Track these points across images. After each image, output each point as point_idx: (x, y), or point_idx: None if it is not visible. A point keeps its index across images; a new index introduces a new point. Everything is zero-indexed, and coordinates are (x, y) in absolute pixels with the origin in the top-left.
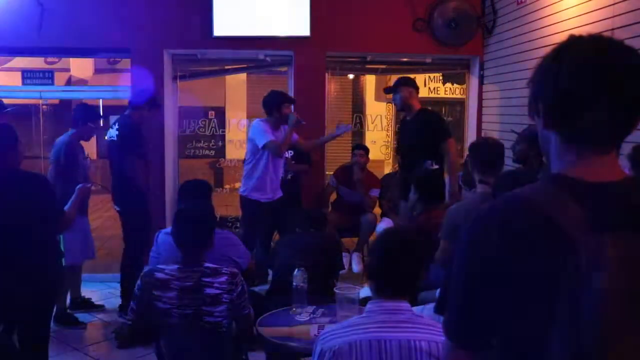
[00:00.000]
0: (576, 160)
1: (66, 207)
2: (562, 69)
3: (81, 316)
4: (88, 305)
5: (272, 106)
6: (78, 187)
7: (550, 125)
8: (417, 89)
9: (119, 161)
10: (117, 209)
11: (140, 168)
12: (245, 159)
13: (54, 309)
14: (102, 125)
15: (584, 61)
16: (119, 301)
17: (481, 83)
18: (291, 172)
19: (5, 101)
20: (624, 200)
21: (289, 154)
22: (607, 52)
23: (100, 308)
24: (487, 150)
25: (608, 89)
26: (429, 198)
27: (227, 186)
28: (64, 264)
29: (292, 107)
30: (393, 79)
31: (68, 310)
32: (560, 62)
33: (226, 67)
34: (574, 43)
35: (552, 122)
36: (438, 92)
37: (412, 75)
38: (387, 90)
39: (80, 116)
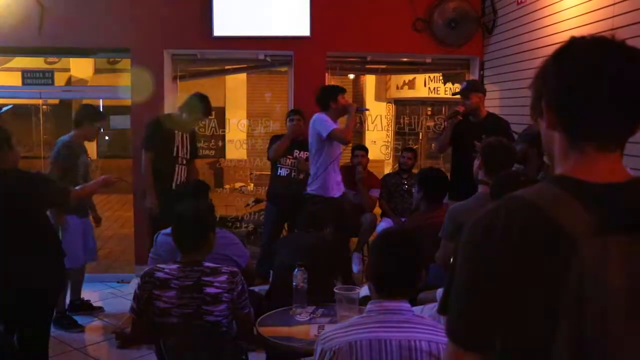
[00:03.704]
0: (580, 160)
1: (78, 187)
2: (564, 67)
3: (81, 318)
4: (87, 307)
5: (328, 99)
6: (103, 176)
7: (553, 125)
8: (485, 93)
9: None
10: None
11: None
12: (309, 158)
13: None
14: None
15: (585, 60)
16: (119, 301)
17: (481, 83)
18: (303, 172)
19: (5, 101)
20: (629, 201)
21: (303, 154)
22: (609, 51)
23: (99, 310)
24: (500, 153)
25: (610, 87)
26: (433, 197)
27: (227, 186)
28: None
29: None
30: (393, 79)
31: (67, 313)
32: (562, 61)
33: (226, 67)
34: (576, 43)
35: (555, 121)
36: (438, 92)
37: (412, 76)
38: (456, 93)
39: (84, 117)
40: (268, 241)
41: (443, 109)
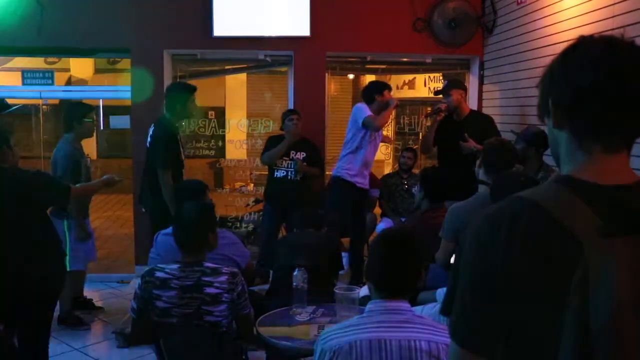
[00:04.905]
0: (586, 161)
1: (79, 185)
2: (571, 66)
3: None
4: (89, 306)
5: (374, 93)
6: (105, 176)
7: (560, 125)
8: (466, 90)
9: None
10: None
11: None
12: (344, 142)
13: (55, 310)
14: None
15: (592, 59)
16: (119, 301)
17: (481, 83)
18: (300, 174)
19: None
20: (637, 203)
21: (300, 155)
22: (616, 51)
23: (100, 310)
24: (500, 153)
25: (618, 87)
26: (434, 196)
27: (227, 186)
28: (69, 269)
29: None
30: (393, 79)
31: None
32: (570, 60)
33: (226, 67)
34: (584, 42)
35: (562, 120)
36: None
37: (412, 76)
38: (438, 92)
39: (72, 117)
40: (267, 241)
41: (425, 111)
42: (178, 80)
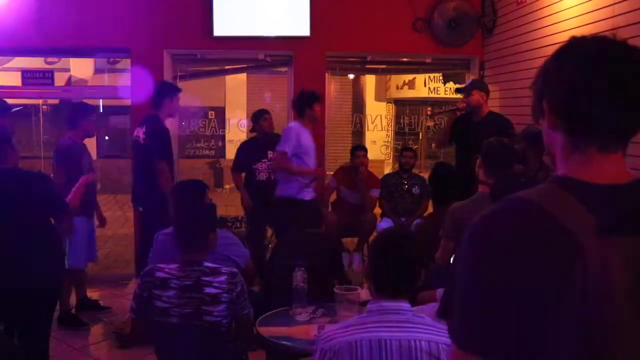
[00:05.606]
0: (582, 161)
1: (67, 198)
2: (565, 68)
3: (85, 317)
4: (95, 307)
5: (305, 106)
6: (80, 180)
7: (555, 126)
8: (488, 92)
9: None
10: None
11: None
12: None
13: (55, 310)
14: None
15: (586, 59)
16: (119, 301)
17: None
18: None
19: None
20: (632, 203)
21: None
22: (610, 51)
23: (106, 310)
24: (501, 153)
25: (611, 87)
26: (439, 197)
27: (227, 186)
28: (67, 267)
29: None
30: (393, 79)
31: (73, 312)
32: (563, 61)
33: (226, 67)
34: (577, 43)
35: (556, 122)
36: (438, 92)
37: (412, 76)
38: (459, 90)
39: (78, 113)
40: (257, 243)
41: (443, 108)
42: (178, 79)
